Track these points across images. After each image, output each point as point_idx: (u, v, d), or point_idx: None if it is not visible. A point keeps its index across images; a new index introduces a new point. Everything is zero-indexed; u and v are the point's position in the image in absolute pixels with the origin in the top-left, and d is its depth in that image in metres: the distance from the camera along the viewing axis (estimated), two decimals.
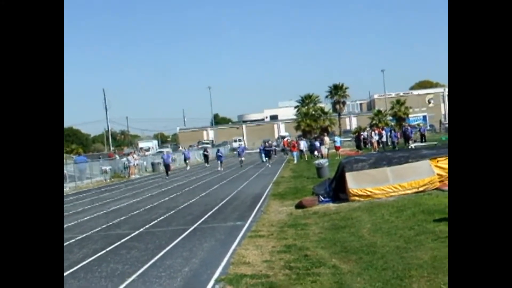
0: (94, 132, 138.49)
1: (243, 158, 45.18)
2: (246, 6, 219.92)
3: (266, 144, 45.86)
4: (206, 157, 51.98)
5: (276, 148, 57.46)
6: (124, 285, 8.50)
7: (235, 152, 77.33)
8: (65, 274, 9.62)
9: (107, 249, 11.75)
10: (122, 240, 12.73)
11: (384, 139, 46.08)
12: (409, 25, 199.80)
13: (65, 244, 12.94)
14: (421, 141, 46.20)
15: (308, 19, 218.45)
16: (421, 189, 15.36)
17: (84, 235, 14.04)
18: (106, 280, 8.95)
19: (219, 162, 43.06)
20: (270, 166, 39.25)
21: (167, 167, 39.07)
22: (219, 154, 44.91)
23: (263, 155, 44.28)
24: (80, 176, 39.17)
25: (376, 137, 45.71)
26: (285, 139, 65.25)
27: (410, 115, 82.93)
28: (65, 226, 16.32)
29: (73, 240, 13.39)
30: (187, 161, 49.99)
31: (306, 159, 43.29)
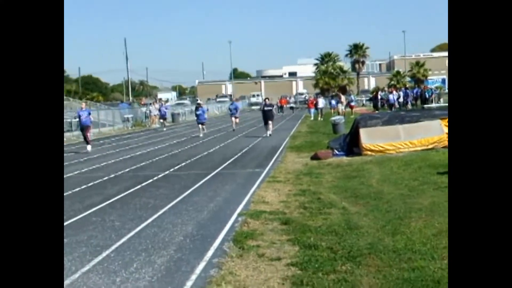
0: (113, 81, 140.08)
1: (237, 120, 33.34)
2: None
3: (266, 102, 29.81)
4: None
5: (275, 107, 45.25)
6: (158, 214, 9.64)
7: (253, 108, 77.03)
8: (103, 204, 10.84)
9: (138, 187, 12.90)
10: (150, 180, 13.88)
11: (401, 99, 46.78)
12: None
13: (98, 181, 14.18)
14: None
15: None
16: (430, 146, 16.27)
17: (114, 175, 15.23)
18: (141, 210, 10.10)
19: (199, 125, 30.58)
20: (269, 135, 27.32)
21: (84, 130, 24.09)
22: (199, 112, 30.83)
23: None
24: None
25: (393, 97, 46.38)
26: (282, 98, 62.61)
27: (429, 77, 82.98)
28: (95, 166, 17.61)
29: (106, 178, 14.63)
30: (164, 121, 41.18)
31: (322, 119, 40.77)
